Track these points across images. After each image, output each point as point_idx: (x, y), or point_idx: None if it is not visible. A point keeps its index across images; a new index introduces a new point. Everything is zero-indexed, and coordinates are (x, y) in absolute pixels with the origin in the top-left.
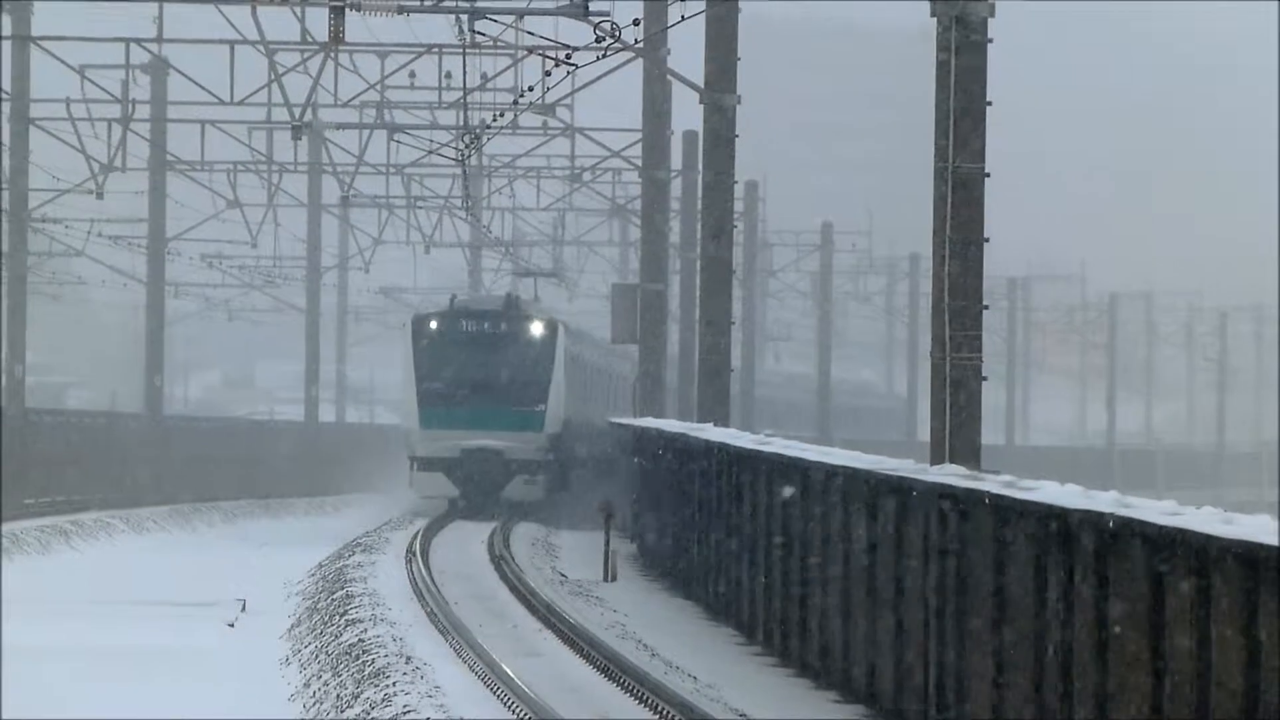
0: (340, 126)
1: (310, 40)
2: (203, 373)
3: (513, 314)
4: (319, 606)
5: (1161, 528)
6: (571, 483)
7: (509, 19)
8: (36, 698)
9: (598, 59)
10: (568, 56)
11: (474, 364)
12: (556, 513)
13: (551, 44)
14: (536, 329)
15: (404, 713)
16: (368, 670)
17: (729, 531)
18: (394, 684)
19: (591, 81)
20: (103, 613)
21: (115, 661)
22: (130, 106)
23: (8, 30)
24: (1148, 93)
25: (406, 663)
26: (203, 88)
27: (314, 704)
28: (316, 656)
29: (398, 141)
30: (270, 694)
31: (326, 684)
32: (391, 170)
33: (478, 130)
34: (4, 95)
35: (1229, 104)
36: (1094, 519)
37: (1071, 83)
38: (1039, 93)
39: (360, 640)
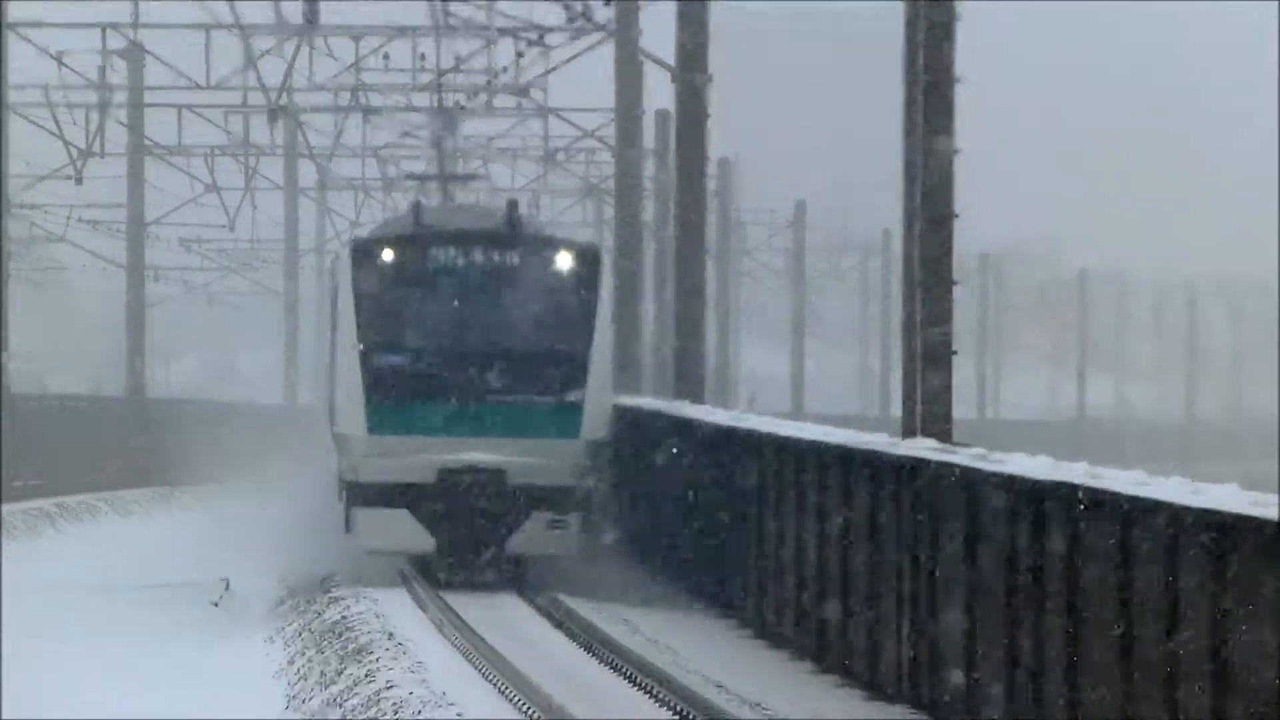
0: (316, 109)
1: (285, 24)
2: (182, 360)
3: (523, 235)
4: (303, 588)
5: (1131, 498)
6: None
7: (482, 1)
8: (22, 677)
9: (570, 40)
10: (540, 38)
11: (460, 322)
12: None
13: (524, 26)
14: (564, 262)
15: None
16: (350, 648)
17: (706, 509)
18: (377, 660)
19: (565, 63)
20: (86, 595)
21: (98, 640)
22: (108, 92)
23: None
24: (1125, 65)
25: (389, 639)
26: (179, 72)
27: (298, 680)
28: (300, 634)
29: (373, 125)
30: (256, 670)
31: (310, 660)
32: (367, 152)
33: (452, 112)
34: None
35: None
36: (1065, 490)
37: (1045, 56)
38: (1012, 67)
39: (344, 618)
